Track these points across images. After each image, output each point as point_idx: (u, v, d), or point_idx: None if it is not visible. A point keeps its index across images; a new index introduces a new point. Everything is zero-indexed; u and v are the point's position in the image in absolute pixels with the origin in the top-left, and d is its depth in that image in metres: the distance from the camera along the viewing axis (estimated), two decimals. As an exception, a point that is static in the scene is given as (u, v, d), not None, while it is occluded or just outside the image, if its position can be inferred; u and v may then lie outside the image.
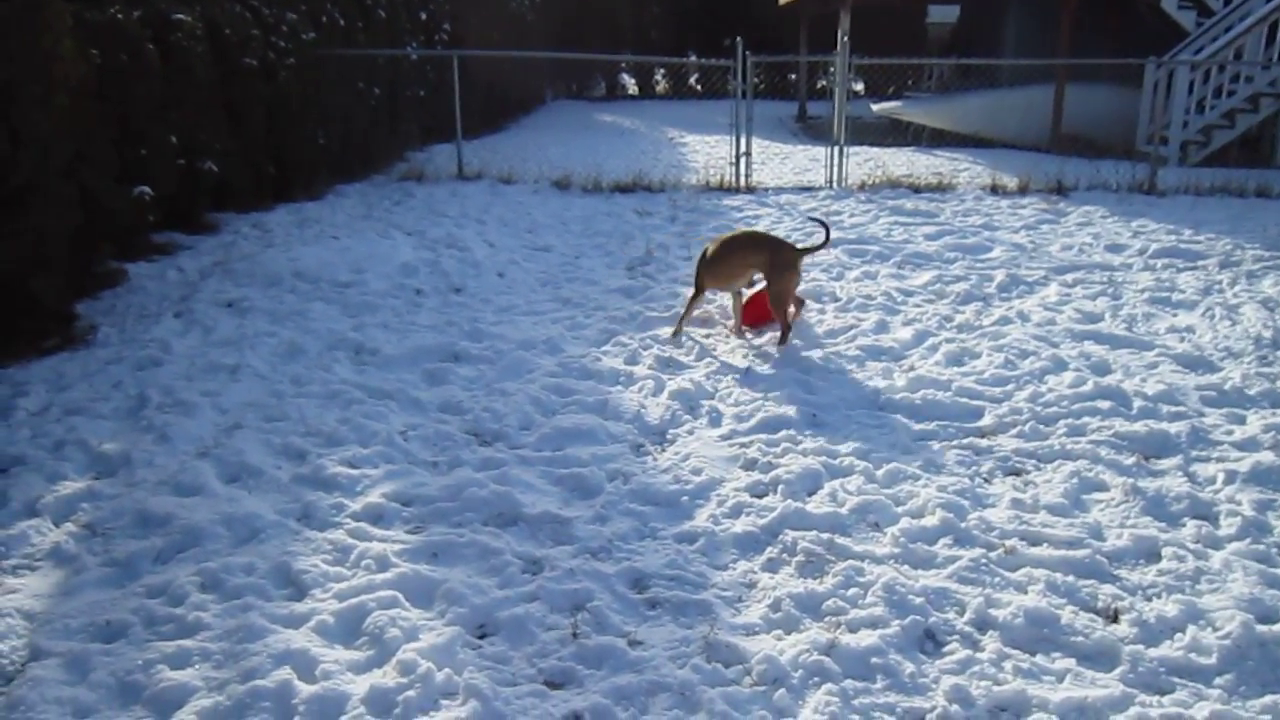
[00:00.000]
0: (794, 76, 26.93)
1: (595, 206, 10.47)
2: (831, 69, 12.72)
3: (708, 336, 6.23)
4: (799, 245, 6.39)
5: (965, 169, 13.57)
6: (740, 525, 3.93)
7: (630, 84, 33.37)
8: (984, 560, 3.68)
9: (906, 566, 3.67)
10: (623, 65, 31.53)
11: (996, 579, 3.58)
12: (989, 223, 9.65)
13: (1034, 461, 4.53)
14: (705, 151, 15.83)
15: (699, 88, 30.68)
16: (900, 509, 4.06)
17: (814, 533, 3.85)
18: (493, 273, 7.75)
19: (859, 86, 24.21)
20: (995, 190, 11.42)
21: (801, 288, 7.09)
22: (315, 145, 10.87)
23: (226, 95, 9.13)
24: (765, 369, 5.63)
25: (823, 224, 6.61)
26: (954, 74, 19.87)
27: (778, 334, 6.06)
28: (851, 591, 3.49)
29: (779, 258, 5.96)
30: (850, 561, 3.67)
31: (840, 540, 3.82)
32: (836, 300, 6.97)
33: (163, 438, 4.66)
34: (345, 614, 3.32)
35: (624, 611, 3.41)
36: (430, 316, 6.60)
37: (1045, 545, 3.80)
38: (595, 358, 5.80)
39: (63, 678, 3.01)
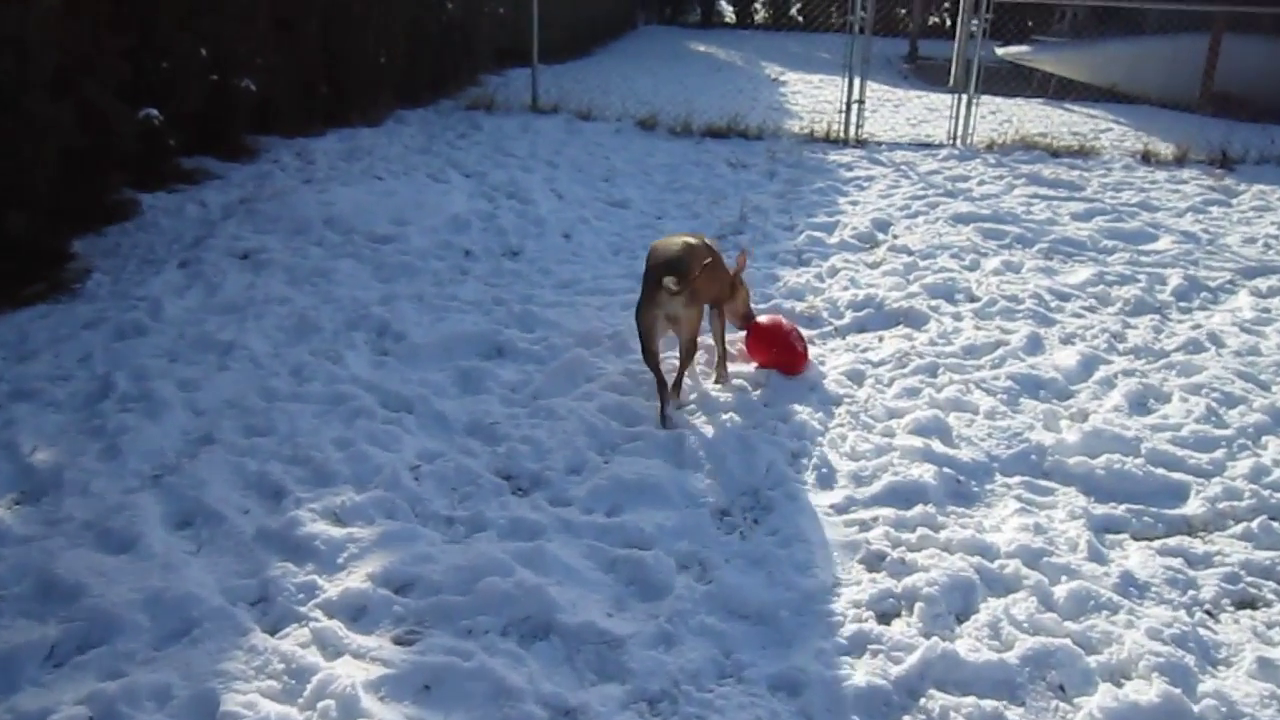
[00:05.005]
0: (904, 11, 24.89)
1: (683, 154, 9.15)
2: (950, 3, 11.09)
3: (812, 341, 4.97)
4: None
5: (1107, 129, 11.90)
6: (863, 672, 2.73)
7: (728, 11, 31.41)
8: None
9: (1114, 774, 2.46)
10: (721, -11, 29.65)
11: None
12: (1146, 201, 8.13)
13: (1275, 584, 3.23)
14: (808, 94, 14.25)
15: (800, 19, 28.69)
16: (1094, 661, 2.81)
17: (971, 699, 2.65)
18: (558, 233, 6.55)
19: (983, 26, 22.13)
20: (1147, 159, 9.80)
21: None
22: (376, 64, 9.71)
23: (273, 3, 8.01)
24: (890, 394, 4.39)
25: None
26: (1090, 17, 17.89)
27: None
28: (1036, 822, 2.30)
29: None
30: (1029, 758, 2.48)
31: (1010, 712, 2.62)
32: (974, 300, 5.61)
33: (111, 450, 3.64)
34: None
35: (690, 827, 2.27)
36: (476, 289, 5.44)
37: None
38: (672, 367, 4.56)
39: None
